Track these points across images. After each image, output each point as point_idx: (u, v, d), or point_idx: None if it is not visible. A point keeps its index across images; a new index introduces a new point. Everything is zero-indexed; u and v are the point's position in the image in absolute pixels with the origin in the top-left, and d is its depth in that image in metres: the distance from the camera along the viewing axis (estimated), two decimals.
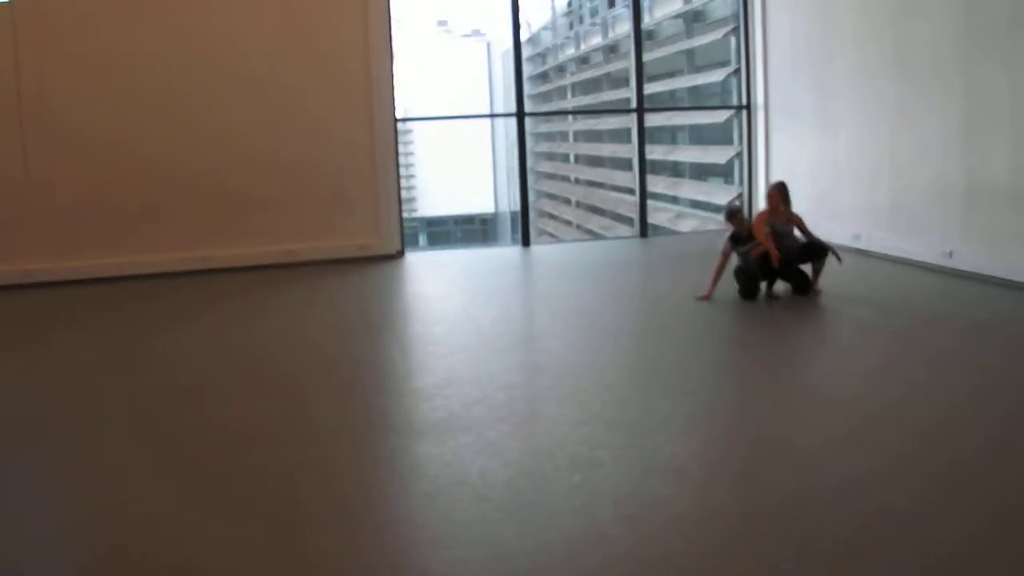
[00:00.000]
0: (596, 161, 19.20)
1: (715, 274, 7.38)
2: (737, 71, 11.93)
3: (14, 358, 6.52)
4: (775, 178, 11.06)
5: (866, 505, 3.49)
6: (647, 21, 15.08)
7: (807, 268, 7.45)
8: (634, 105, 11.71)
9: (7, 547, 3.40)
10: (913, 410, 4.66)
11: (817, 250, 7.38)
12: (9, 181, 9.31)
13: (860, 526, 3.32)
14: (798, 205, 7.65)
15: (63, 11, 9.36)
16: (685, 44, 15.14)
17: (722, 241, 7.47)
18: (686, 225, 14.47)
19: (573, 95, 21.32)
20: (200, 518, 3.60)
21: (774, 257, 7.20)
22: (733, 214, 7.56)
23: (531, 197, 12.14)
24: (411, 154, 22.38)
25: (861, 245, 9.34)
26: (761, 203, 11.48)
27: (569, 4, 21.67)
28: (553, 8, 22.19)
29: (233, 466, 4.18)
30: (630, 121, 11.99)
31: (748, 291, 7.34)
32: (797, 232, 7.51)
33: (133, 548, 3.37)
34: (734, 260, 7.47)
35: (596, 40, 19.64)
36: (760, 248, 7.26)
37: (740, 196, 12.09)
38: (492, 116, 23.62)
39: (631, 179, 12.21)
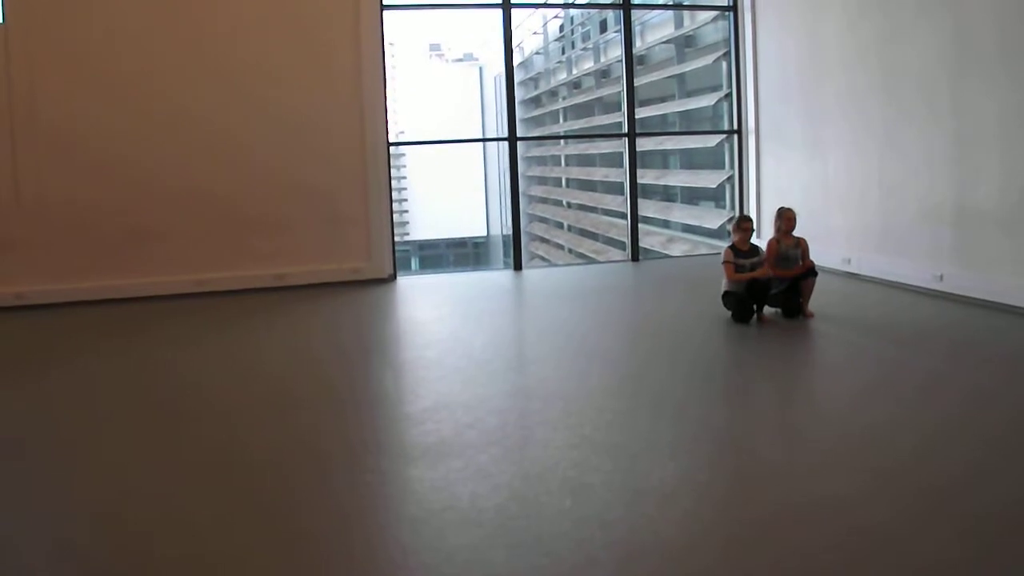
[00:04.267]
0: (588, 185, 19.26)
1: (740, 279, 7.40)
2: (728, 96, 12.01)
3: (13, 381, 6.50)
4: (766, 202, 11.18)
5: (850, 524, 3.52)
6: (639, 46, 15.17)
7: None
8: (626, 129, 11.77)
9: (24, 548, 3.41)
10: (898, 431, 4.69)
11: (807, 272, 7.43)
12: (1, 203, 9.31)
13: (845, 544, 3.35)
14: None
15: (55, 30, 9.39)
16: (676, 69, 15.23)
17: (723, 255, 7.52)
18: (677, 249, 14.51)
19: (565, 119, 21.41)
20: (193, 538, 3.59)
21: (769, 273, 7.37)
22: (743, 220, 7.65)
23: (523, 221, 12.15)
24: (404, 178, 22.46)
25: (852, 268, 9.38)
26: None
27: (561, 29, 21.79)
28: (545, 33, 22.32)
29: (228, 488, 4.18)
30: (622, 145, 12.05)
31: (741, 315, 7.36)
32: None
33: (138, 548, 3.39)
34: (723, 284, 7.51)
35: (588, 65, 19.74)
36: (766, 272, 7.34)
37: (732, 220, 12.13)
38: (484, 140, 23.71)
39: (623, 203, 12.25)
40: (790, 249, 7.53)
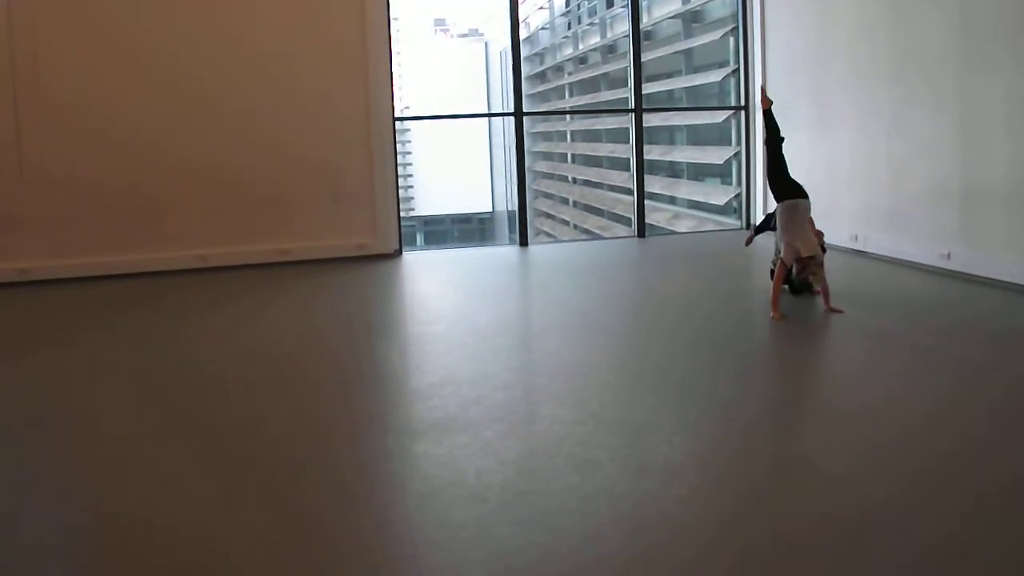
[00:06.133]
0: (594, 161, 19.17)
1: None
2: (735, 72, 11.94)
3: (16, 356, 6.52)
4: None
5: (852, 500, 3.54)
6: (645, 21, 15.05)
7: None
8: (632, 105, 11.72)
9: (35, 527, 3.43)
10: (900, 407, 4.71)
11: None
12: (4, 177, 9.30)
13: (844, 518, 3.37)
14: None
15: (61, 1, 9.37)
16: (683, 44, 15.13)
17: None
18: (683, 225, 14.47)
19: (571, 95, 21.29)
20: (195, 515, 3.61)
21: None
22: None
23: (529, 196, 12.12)
24: (409, 153, 22.36)
25: (859, 246, 9.36)
26: (759, 202, 11.53)
27: (567, 4, 21.64)
28: (551, 8, 22.17)
29: (232, 463, 4.20)
30: (628, 121, 11.99)
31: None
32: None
33: (144, 522, 3.41)
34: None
35: (594, 40, 19.62)
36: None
37: (738, 197, 12.11)
38: (490, 115, 23.61)
39: (629, 179, 12.21)
40: None
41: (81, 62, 9.44)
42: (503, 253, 11.10)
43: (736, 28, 11.82)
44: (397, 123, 10.68)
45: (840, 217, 9.46)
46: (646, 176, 11.85)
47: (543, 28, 22.64)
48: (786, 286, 7.49)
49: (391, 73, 10.46)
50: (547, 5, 22.09)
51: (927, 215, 8.47)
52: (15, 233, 9.29)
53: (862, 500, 3.52)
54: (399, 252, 10.64)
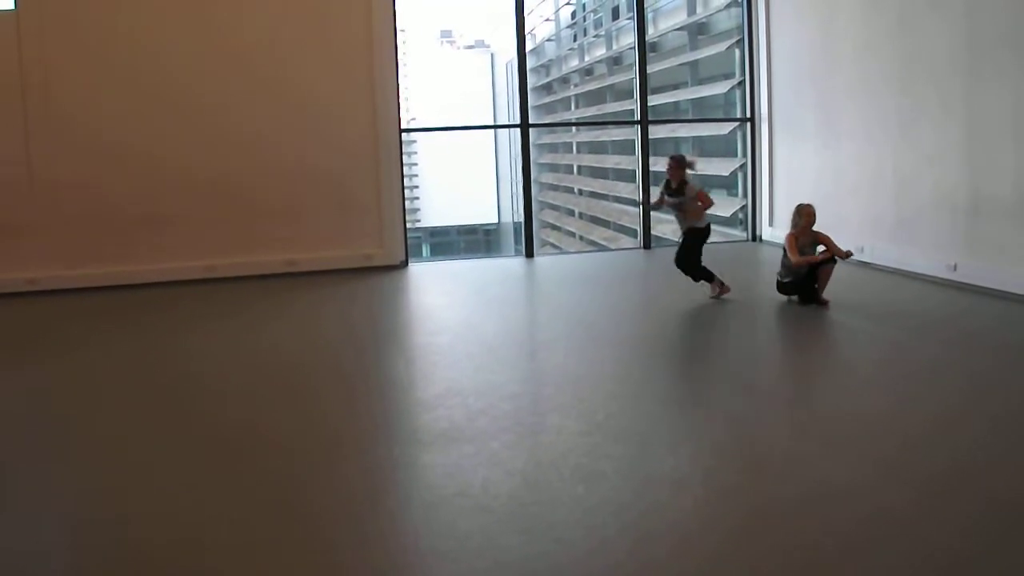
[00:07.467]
0: (600, 172, 19.19)
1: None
2: (741, 83, 11.96)
3: (25, 364, 6.55)
4: (779, 190, 11.14)
5: (861, 509, 3.54)
6: (651, 33, 15.07)
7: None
8: (638, 117, 11.73)
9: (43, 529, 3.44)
10: (905, 418, 4.72)
11: (828, 259, 7.39)
12: (15, 189, 9.35)
13: (855, 530, 3.37)
14: None
15: (66, 15, 9.44)
16: (689, 56, 15.16)
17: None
18: None
19: (577, 106, 21.33)
20: (202, 523, 3.61)
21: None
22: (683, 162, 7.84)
23: (534, 208, 12.13)
24: (415, 164, 22.40)
25: (865, 258, 9.33)
26: (764, 213, 11.53)
27: (573, 16, 21.71)
28: (557, 20, 22.23)
29: (240, 473, 4.20)
30: (634, 133, 12.01)
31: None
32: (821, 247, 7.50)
33: (142, 532, 3.41)
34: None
35: (600, 52, 19.66)
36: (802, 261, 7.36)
37: (743, 208, 12.10)
38: (496, 127, 23.63)
39: (634, 191, 12.22)
40: (806, 246, 7.47)
41: (91, 80, 9.53)
42: (509, 264, 11.12)
43: (742, 40, 11.84)
44: (403, 134, 10.72)
45: (846, 228, 9.40)
46: (652, 188, 11.84)
47: (549, 40, 22.70)
48: (795, 297, 7.52)
49: (397, 85, 10.50)
50: (553, 17, 22.16)
51: (934, 226, 8.46)
52: (25, 244, 9.33)
53: (868, 510, 3.51)
54: (405, 263, 10.65)
